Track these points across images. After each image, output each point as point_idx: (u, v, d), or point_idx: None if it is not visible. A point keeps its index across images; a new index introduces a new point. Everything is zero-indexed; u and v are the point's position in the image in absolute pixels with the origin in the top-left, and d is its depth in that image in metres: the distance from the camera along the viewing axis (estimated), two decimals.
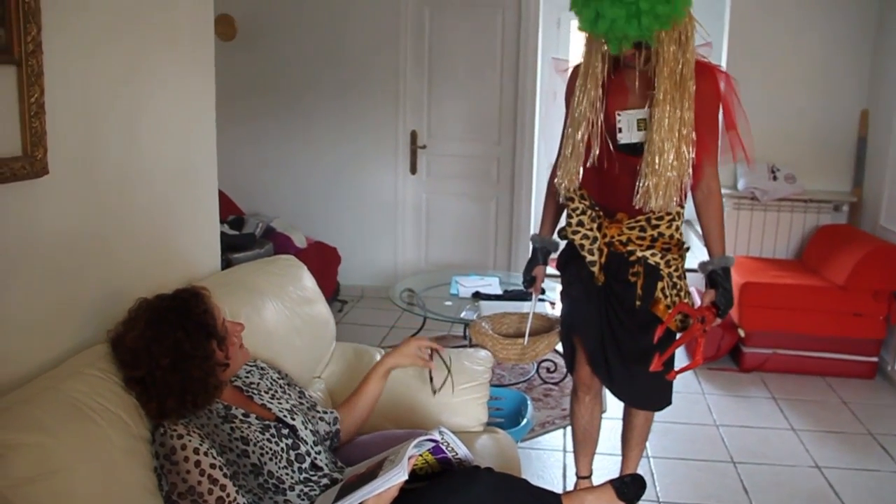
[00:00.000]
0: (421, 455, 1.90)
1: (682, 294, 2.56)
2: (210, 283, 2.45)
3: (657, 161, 2.32)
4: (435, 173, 5.77)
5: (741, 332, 4.46)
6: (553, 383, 4.21)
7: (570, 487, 3.15)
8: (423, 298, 4.30)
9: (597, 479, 2.96)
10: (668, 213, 2.47)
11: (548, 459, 3.44)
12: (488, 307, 3.92)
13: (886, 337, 4.37)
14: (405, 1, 5.44)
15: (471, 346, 3.24)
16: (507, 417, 3.35)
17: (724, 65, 5.11)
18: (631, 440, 2.88)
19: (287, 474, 1.87)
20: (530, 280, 2.83)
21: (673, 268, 2.52)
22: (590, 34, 2.36)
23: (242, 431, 1.87)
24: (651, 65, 2.34)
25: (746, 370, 4.47)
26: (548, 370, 4.32)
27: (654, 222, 2.49)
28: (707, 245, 2.58)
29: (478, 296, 4.18)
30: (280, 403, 2.04)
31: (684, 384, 4.27)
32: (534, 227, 5.73)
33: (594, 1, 2.17)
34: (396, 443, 2.09)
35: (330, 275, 5.36)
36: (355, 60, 5.56)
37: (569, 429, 3.63)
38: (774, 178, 5.01)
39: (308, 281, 2.79)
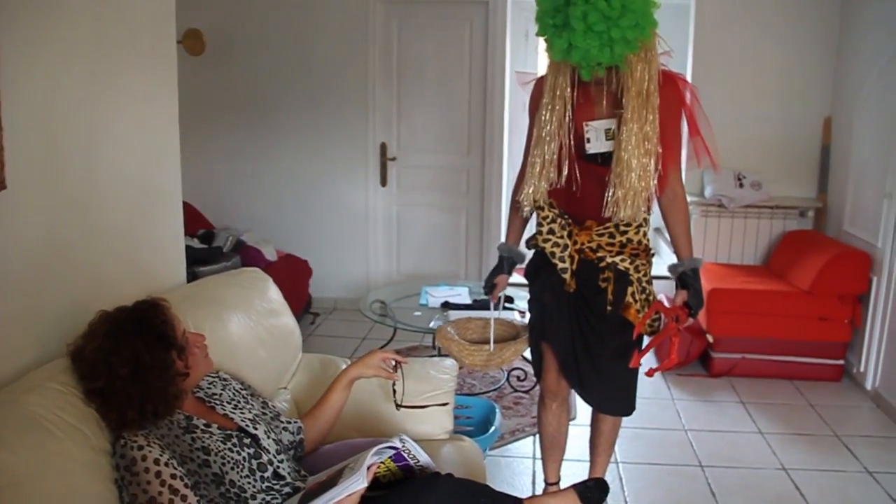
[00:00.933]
0: (383, 462, 1.91)
1: (651, 298, 2.62)
2: (174, 295, 2.45)
3: (625, 175, 2.39)
4: (405, 185, 5.79)
5: (710, 338, 4.51)
6: (523, 391, 4.23)
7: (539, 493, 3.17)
8: (394, 309, 4.31)
9: (565, 486, 2.98)
10: (635, 220, 2.52)
11: (517, 467, 3.46)
12: (457, 317, 3.93)
13: (851, 340, 4.44)
14: (373, 14, 5.47)
15: (439, 354, 3.24)
16: (476, 426, 3.36)
17: (689, 74, 5.19)
18: (599, 446, 2.92)
19: (249, 483, 1.87)
20: (491, 287, 2.86)
21: (642, 273, 2.59)
22: (544, 43, 2.40)
23: (204, 441, 1.87)
24: (616, 82, 2.39)
25: (715, 375, 4.51)
26: (518, 378, 4.34)
27: (622, 228, 2.55)
28: (675, 248, 2.64)
29: (447, 305, 4.19)
30: (242, 413, 2.04)
31: (654, 390, 4.31)
32: (504, 237, 5.78)
33: (566, 32, 2.22)
34: (360, 451, 2.10)
35: (301, 287, 5.36)
36: (324, 73, 5.58)
37: (538, 436, 3.66)
38: (741, 186, 5.08)
39: (274, 293, 2.80)
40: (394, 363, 2.39)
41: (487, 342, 2.92)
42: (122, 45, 2.38)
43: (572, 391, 2.84)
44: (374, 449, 1.81)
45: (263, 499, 1.88)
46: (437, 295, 4.40)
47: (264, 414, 2.14)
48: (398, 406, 2.44)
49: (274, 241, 5.43)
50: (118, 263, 2.39)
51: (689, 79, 5.07)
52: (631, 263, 2.56)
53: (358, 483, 1.70)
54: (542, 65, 6.27)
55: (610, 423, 2.87)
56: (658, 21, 2.33)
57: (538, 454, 3.46)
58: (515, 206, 2.74)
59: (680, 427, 3.86)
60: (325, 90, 5.60)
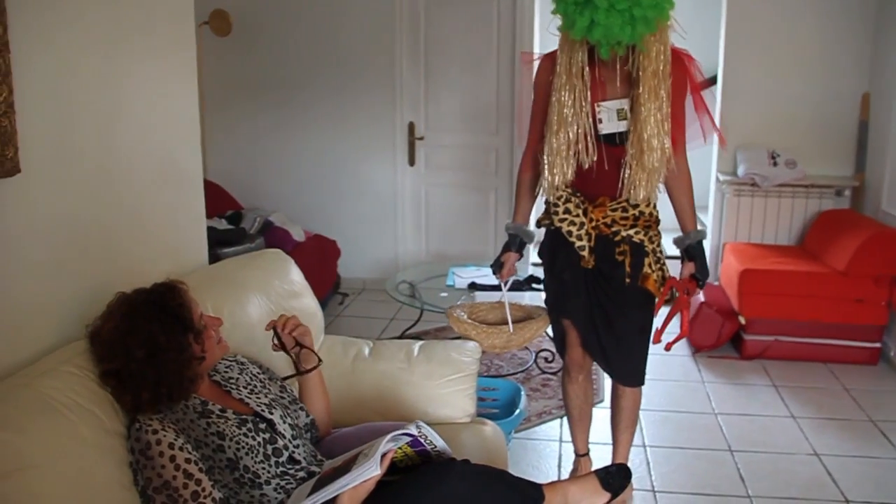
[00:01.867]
0: (400, 448, 1.89)
1: (665, 267, 2.68)
2: (194, 277, 2.45)
3: (646, 157, 2.43)
4: (433, 164, 5.74)
5: (742, 320, 4.43)
6: (551, 373, 4.19)
7: (565, 476, 3.14)
8: (421, 290, 4.29)
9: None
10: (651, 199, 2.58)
11: (543, 450, 3.43)
12: (484, 298, 3.90)
13: (889, 323, 4.33)
14: None
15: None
16: (501, 408, 3.33)
17: (721, 49, 5.07)
18: (621, 423, 2.92)
19: (263, 468, 1.86)
20: (499, 265, 2.87)
21: (655, 243, 2.66)
22: (560, 24, 2.41)
23: (218, 426, 1.86)
24: (632, 62, 2.40)
25: (747, 358, 4.43)
26: (546, 360, 4.30)
27: (633, 202, 2.59)
28: (680, 220, 2.71)
29: (474, 286, 4.16)
30: (258, 398, 2.03)
31: (684, 372, 4.25)
32: (534, 217, 5.72)
33: (589, 10, 2.22)
34: (379, 435, 2.08)
35: (329, 267, 5.35)
36: (351, 53, 5.54)
37: (566, 419, 3.63)
38: (774, 164, 4.96)
39: (295, 275, 2.78)
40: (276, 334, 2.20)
41: (498, 324, 2.91)
42: (139, 27, 2.36)
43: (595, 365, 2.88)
44: (390, 436, 1.79)
45: (278, 483, 1.87)
46: (464, 276, 4.36)
47: (282, 398, 2.13)
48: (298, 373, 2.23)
49: (302, 222, 5.43)
50: (138, 245, 2.39)
51: (721, 54, 5.00)
52: (645, 235, 2.63)
53: (371, 470, 1.68)
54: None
55: (630, 398, 2.86)
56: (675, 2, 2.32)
57: (565, 437, 3.45)
58: (522, 184, 2.79)
59: (710, 410, 3.80)
60: (352, 70, 5.56)
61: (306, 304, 2.73)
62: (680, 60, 2.50)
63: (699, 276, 2.63)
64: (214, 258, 3.00)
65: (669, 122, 2.43)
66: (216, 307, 2.29)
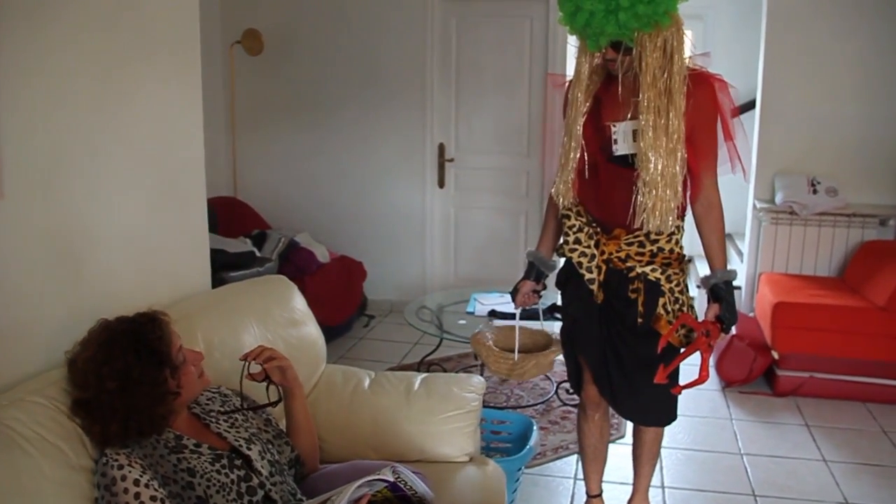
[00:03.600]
0: (379, 492, 1.80)
1: (685, 309, 2.50)
2: (191, 303, 2.42)
3: (645, 173, 2.28)
4: (463, 186, 5.67)
5: (775, 355, 4.24)
6: (573, 405, 4.05)
7: None
8: (444, 315, 4.21)
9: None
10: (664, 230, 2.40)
11: (556, 487, 3.30)
12: (501, 324, 3.81)
13: None
14: (431, 12, 5.37)
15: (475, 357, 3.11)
16: (514, 442, 3.22)
17: (760, 73, 4.92)
18: (641, 456, 2.81)
19: None
20: (515, 291, 2.77)
21: (674, 283, 2.47)
22: (575, 36, 2.33)
23: (190, 462, 1.79)
24: (634, 72, 2.26)
25: (780, 394, 4.24)
26: (567, 391, 4.17)
27: (653, 237, 2.43)
28: (708, 258, 2.51)
29: (493, 314, 4.06)
30: (238, 432, 1.96)
31: (712, 408, 4.08)
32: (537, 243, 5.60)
33: None
34: (366, 473, 2.00)
35: (355, 289, 5.30)
36: (382, 73, 5.51)
37: (579, 448, 3.50)
38: (814, 192, 4.77)
39: (298, 302, 2.72)
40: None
41: (527, 351, 2.83)
42: (139, 51, 2.33)
43: None
44: (361, 481, 1.70)
45: None
46: (485, 302, 4.27)
47: (265, 432, 2.06)
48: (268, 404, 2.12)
49: (330, 243, 5.41)
50: (133, 270, 2.35)
51: (759, 77, 4.83)
52: (662, 273, 2.44)
53: None
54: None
55: (652, 432, 2.76)
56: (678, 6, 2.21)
57: (580, 474, 3.31)
58: (549, 209, 2.70)
59: (735, 450, 3.63)
60: (382, 90, 5.53)
61: (306, 333, 2.66)
62: (707, 84, 2.33)
63: (724, 319, 2.39)
64: (220, 282, 2.95)
65: (676, 143, 2.26)
66: (206, 335, 2.24)
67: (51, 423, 1.71)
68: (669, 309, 2.45)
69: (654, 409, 2.62)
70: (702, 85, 2.30)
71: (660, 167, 2.26)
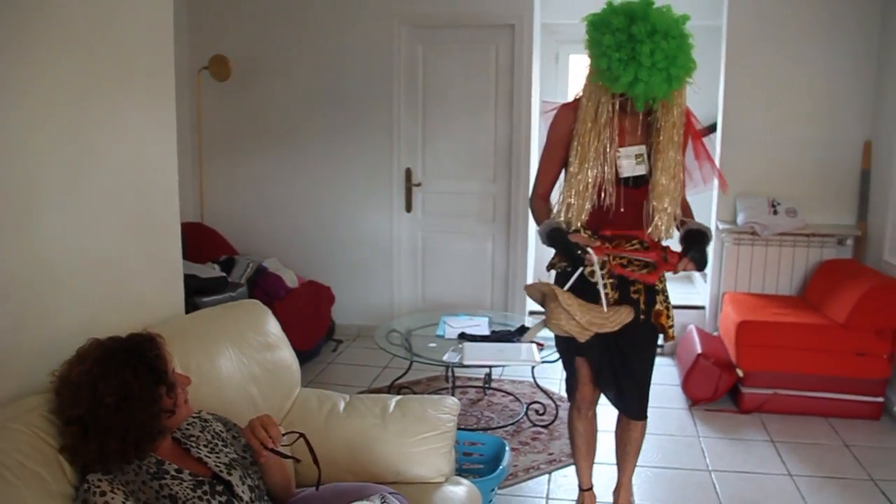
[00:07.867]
0: None
1: (670, 304, 2.85)
2: (165, 329, 2.39)
3: (665, 200, 2.62)
4: (430, 211, 5.71)
5: (739, 373, 4.32)
6: (542, 426, 4.09)
7: None
8: (413, 339, 4.23)
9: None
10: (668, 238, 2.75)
11: None
12: (472, 349, 3.84)
13: (891, 376, 4.21)
14: (398, 38, 5.43)
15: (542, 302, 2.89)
16: (486, 463, 3.24)
17: (720, 96, 5.04)
18: (629, 452, 3.02)
19: None
20: (575, 248, 2.61)
21: (664, 283, 2.85)
22: (596, 83, 2.59)
23: (171, 489, 1.79)
24: (654, 113, 2.60)
25: (745, 411, 4.32)
26: (537, 412, 4.21)
27: (647, 245, 2.73)
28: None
29: (464, 336, 4.09)
30: (218, 457, 1.96)
31: (679, 426, 4.14)
32: (532, 265, 5.67)
33: (633, 66, 2.40)
34: (346, 498, 2.02)
35: (323, 314, 5.30)
36: (349, 99, 5.55)
37: (554, 475, 3.57)
38: (775, 213, 4.89)
39: (272, 326, 2.73)
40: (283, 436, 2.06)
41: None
42: (115, 78, 2.35)
43: None
44: None
45: None
46: (455, 325, 4.30)
47: (244, 458, 2.06)
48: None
49: (298, 268, 5.41)
50: (108, 296, 2.35)
51: (720, 101, 4.97)
52: None
53: None
54: (572, 87, 6.16)
55: (641, 430, 2.98)
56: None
57: (552, 493, 3.37)
58: (540, 196, 2.85)
59: (704, 467, 3.69)
60: (349, 115, 5.57)
61: (280, 357, 2.67)
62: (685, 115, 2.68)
63: (695, 258, 2.63)
64: (193, 307, 2.95)
65: (681, 168, 2.64)
66: (182, 361, 2.24)
67: (30, 450, 1.71)
68: (664, 305, 2.80)
69: (646, 403, 2.92)
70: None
71: (675, 192, 2.62)
